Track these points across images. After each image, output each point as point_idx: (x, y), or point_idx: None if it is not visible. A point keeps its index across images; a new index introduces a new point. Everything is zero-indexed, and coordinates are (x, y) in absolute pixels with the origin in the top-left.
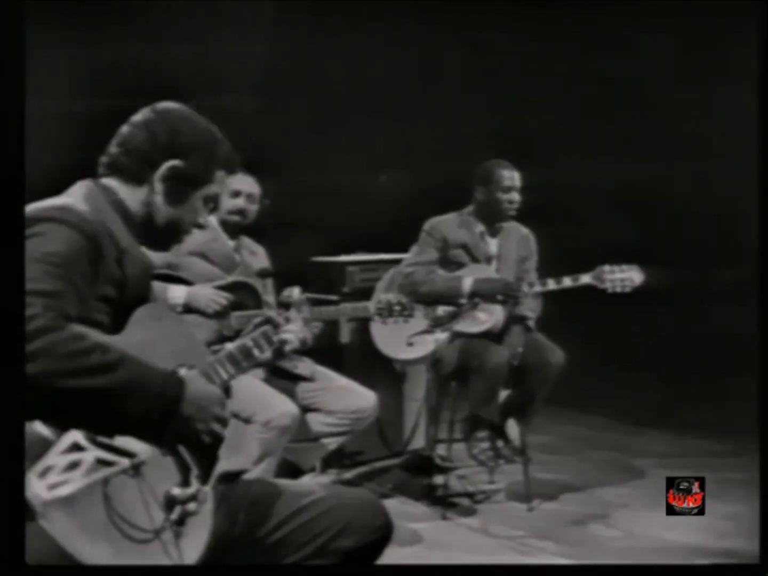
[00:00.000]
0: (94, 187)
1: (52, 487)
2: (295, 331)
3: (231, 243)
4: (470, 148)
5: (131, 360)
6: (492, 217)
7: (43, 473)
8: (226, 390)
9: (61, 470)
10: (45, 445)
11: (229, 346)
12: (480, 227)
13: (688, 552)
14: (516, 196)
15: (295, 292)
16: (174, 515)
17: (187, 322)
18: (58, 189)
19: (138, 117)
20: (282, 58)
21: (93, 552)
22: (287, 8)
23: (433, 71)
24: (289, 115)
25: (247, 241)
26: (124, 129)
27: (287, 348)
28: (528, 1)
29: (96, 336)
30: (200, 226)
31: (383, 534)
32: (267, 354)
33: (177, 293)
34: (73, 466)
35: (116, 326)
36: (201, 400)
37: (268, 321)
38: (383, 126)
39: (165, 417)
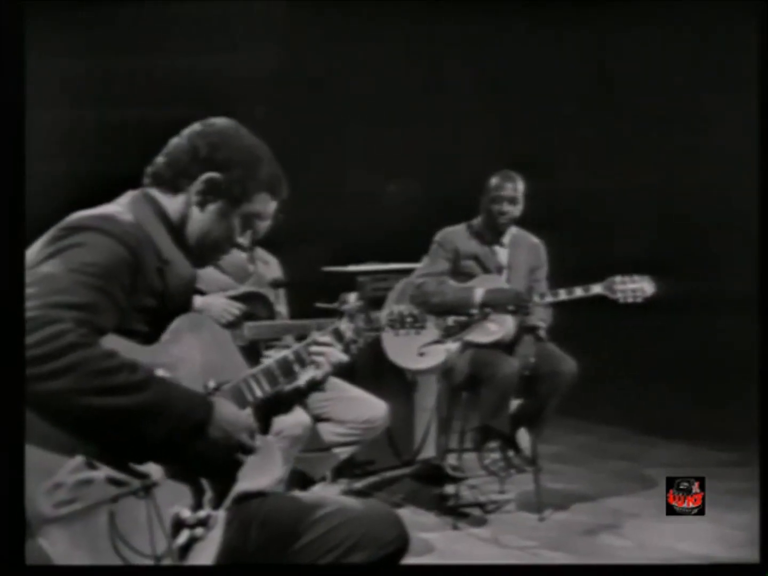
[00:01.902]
0: (140, 197)
1: (58, 505)
2: (328, 353)
3: (243, 253)
4: (481, 157)
5: (159, 381)
6: (491, 228)
7: (51, 491)
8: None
9: (69, 488)
10: (56, 462)
11: (268, 360)
12: (489, 237)
13: (699, 562)
14: (507, 207)
15: (351, 299)
16: (180, 539)
17: (224, 332)
18: (60, 198)
19: (186, 130)
20: (292, 67)
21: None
22: (297, 17)
23: (445, 79)
24: (299, 125)
25: (260, 251)
26: (172, 140)
27: (319, 374)
28: (537, 10)
29: (127, 351)
30: (240, 247)
31: (399, 546)
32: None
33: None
34: (83, 484)
35: (156, 335)
36: (229, 426)
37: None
38: (394, 135)
39: (189, 440)
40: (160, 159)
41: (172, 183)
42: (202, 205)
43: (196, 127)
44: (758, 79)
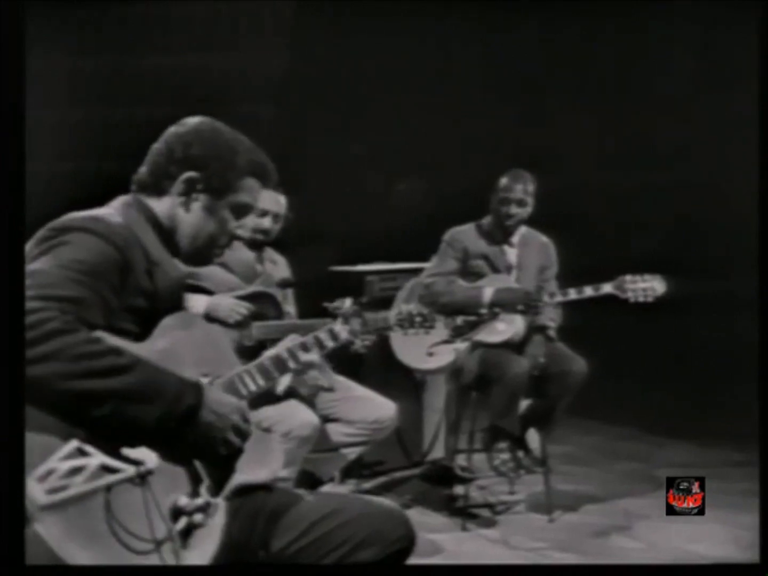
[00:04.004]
0: (130, 201)
1: (51, 491)
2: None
3: (251, 253)
4: (490, 156)
5: (147, 364)
6: (500, 227)
7: (44, 477)
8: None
9: (62, 475)
10: (48, 449)
11: (262, 356)
12: (499, 237)
13: (710, 563)
14: (515, 209)
15: (346, 303)
16: (179, 526)
17: (217, 331)
18: (60, 197)
19: (164, 133)
20: (299, 66)
21: (85, 559)
22: (306, 17)
23: (453, 79)
24: (307, 124)
25: (268, 250)
26: (153, 146)
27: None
28: (545, 10)
29: (112, 340)
30: (238, 238)
31: (405, 545)
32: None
33: (197, 303)
34: (76, 471)
35: (146, 335)
36: (220, 408)
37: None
38: (402, 135)
39: (182, 424)
40: (142, 168)
41: (156, 187)
42: (186, 205)
43: (171, 129)
44: (759, 80)
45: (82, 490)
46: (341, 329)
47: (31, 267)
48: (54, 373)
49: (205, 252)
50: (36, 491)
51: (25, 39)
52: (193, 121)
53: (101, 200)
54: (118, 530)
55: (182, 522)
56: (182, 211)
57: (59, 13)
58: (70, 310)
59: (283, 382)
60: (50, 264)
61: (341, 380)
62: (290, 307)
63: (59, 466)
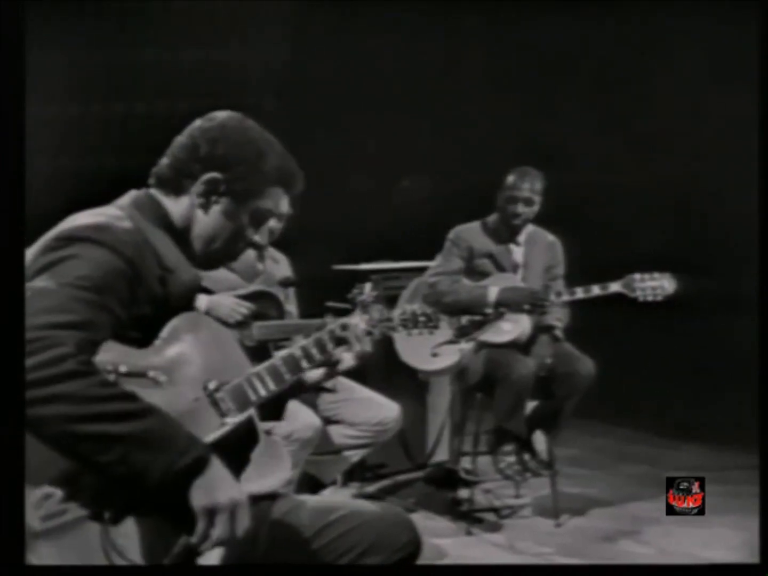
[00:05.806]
0: (142, 199)
1: (46, 518)
2: (353, 343)
3: (252, 251)
4: (495, 153)
5: (159, 412)
6: (506, 225)
7: (40, 502)
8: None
9: (59, 499)
10: (44, 473)
11: (274, 357)
12: (505, 235)
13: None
14: (522, 208)
15: (366, 289)
16: (176, 549)
17: (225, 330)
18: (59, 194)
19: (189, 127)
20: (301, 62)
21: None
22: (306, 11)
23: (456, 75)
24: (309, 120)
25: (269, 249)
26: (176, 139)
27: (341, 367)
28: (552, 9)
29: (121, 355)
30: (255, 246)
31: (411, 551)
32: (316, 371)
33: (197, 302)
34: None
35: (150, 339)
36: (219, 480)
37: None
38: (406, 131)
39: (185, 478)
40: (163, 160)
41: (175, 184)
42: (205, 207)
43: (197, 122)
44: (759, 79)
45: (79, 515)
46: (360, 320)
47: (35, 285)
48: (62, 415)
49: (216, 257)
50: (31, 518)
51: (26, 36)
52: (221, 115)
53: (102, 197)
54: (114, 558)
55: (180, 544)
56: (200, 212)
57: (59, 8)
58: (86, 339)
59: (312, 374)
60: (53, 282)
61: (344, 381)
62: (292, 307)
63: (56, 491)
